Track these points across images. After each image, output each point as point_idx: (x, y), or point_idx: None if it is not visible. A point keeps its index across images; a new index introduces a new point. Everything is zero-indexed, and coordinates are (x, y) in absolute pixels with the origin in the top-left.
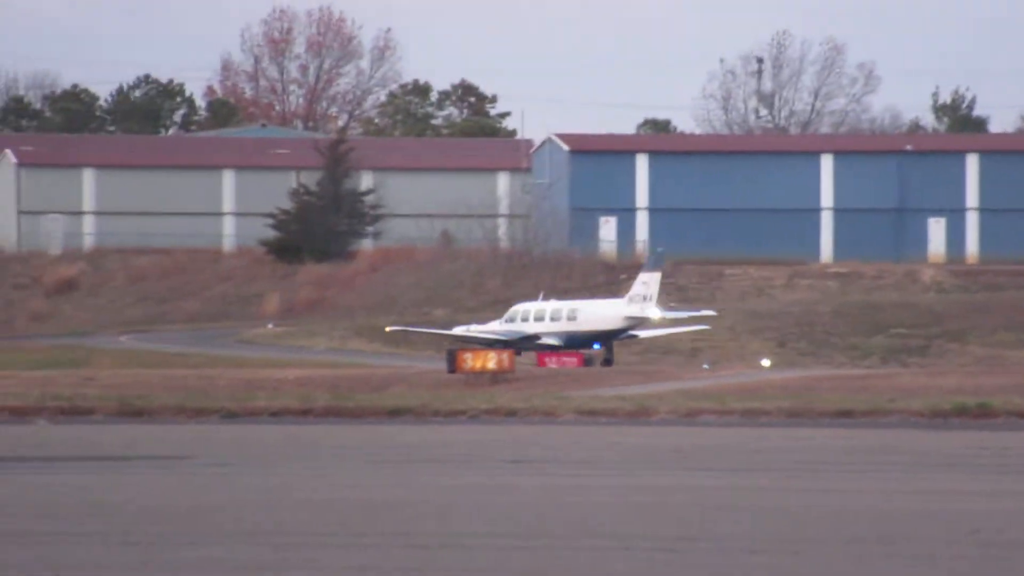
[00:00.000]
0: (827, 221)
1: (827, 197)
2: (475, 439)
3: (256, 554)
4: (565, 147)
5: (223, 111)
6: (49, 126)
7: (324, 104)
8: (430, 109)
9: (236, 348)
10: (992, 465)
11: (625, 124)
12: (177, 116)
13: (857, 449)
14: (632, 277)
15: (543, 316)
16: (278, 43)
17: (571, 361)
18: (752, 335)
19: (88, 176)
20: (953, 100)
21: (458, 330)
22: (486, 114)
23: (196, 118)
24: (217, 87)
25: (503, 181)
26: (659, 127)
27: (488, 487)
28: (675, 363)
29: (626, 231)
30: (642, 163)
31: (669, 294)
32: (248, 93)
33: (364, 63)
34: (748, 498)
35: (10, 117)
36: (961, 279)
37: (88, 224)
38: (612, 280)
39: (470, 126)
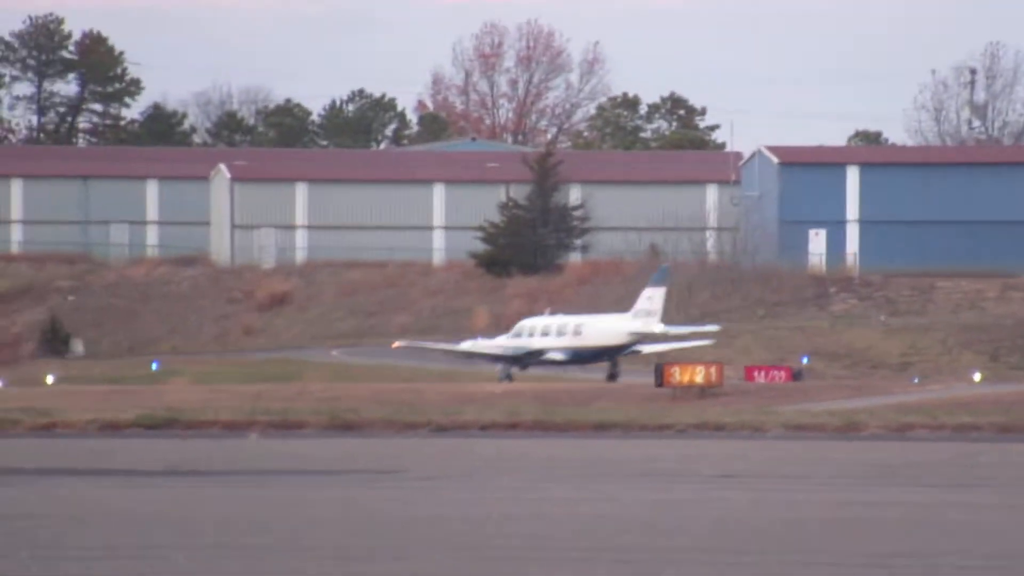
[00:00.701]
0: None
1: None
2: (683, 453)
3: (463, 568)
4: (775, 159)
5: (434, 125)
6: (262, 141)
7: (533, 118)
8: (639, 122)
9: (445, 362)
10: None
11: (835, 136)
12: (388, 130)
13: None
14: (842, 290)
15: (549, 331)
16: (488, 57)
17: (780, 375)
18: (963, 348)
19: (300, 190)
20: None
21: (465, 345)
22: (695, 127)
23: (407, 132)
24: (428, 101)
25: (712, 194)
26: (870, 139)
27: (696, 502)
28: (884, 376)
29: (836, 244)
30: (852, 175)
31: (879, 307)
32: (458, 107)
33: (573, 76)
34: (960, 515)
35: (224, 132)
36: None
37: (300, 238)
38: (822, 293)
39: (679, 139)
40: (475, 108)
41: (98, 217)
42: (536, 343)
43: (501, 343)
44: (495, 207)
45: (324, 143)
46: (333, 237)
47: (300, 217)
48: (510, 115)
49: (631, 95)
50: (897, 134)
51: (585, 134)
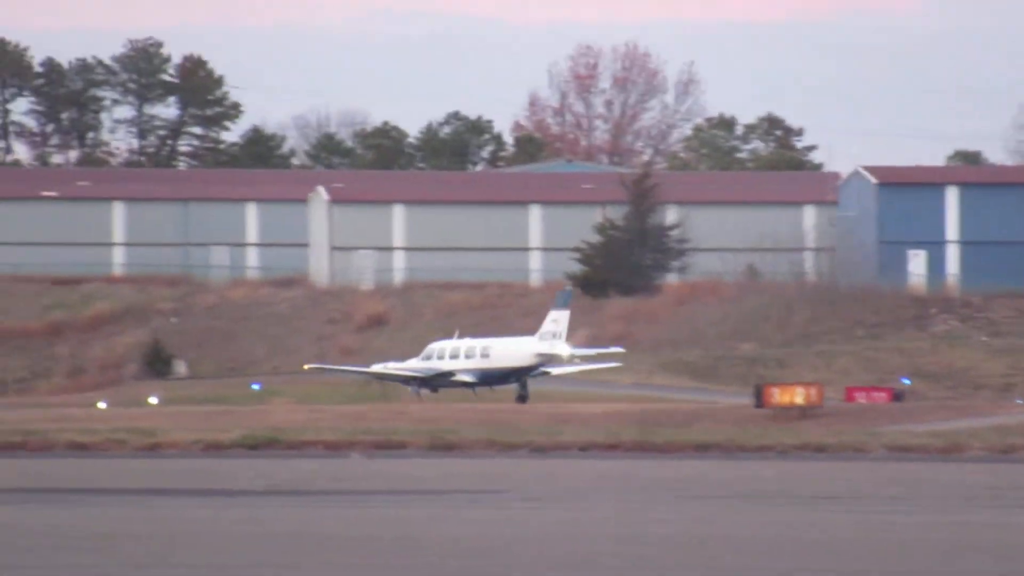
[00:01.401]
0: None
1: None
2: (784, 474)
3: None
4: (873, 180)
5: (530, 146)
6: (360, 163)
7: (629, 138)
8: (735, 143)
9: (542, 383)
10: None
11: (934, 156)
12: (485, 152)
13: None
14: (942, 311)
15: (458, 353)
16: (584, 79)
17: (881, 397)
18: None
19: (398, 212)
20: None
21: (376, 367)
22: (792, 147)
23: (503, 153)
24: (524, 122)
25: (809, 214)
26: (969, 159)
27: (798, 523)
28: (986, 397)
29: (936, 264)
30: (952, 195)
31: (980, 328)
32: (554, 128)
33: (669, 97)
34: None
35: (322, 154)
36: None
37: (398, 259)
38: (922, 314)
39: (776, 159)
40: (570, 129)
41: (198, 239)
42: (446, 365)
43: (412, 365)
44: (591, 228)
45: (421, 165)
46: (430, 258)
47: (398, 238)
48: (606, 136)
49: (727, 115)
50: (997, 154)
51: (681, 155)
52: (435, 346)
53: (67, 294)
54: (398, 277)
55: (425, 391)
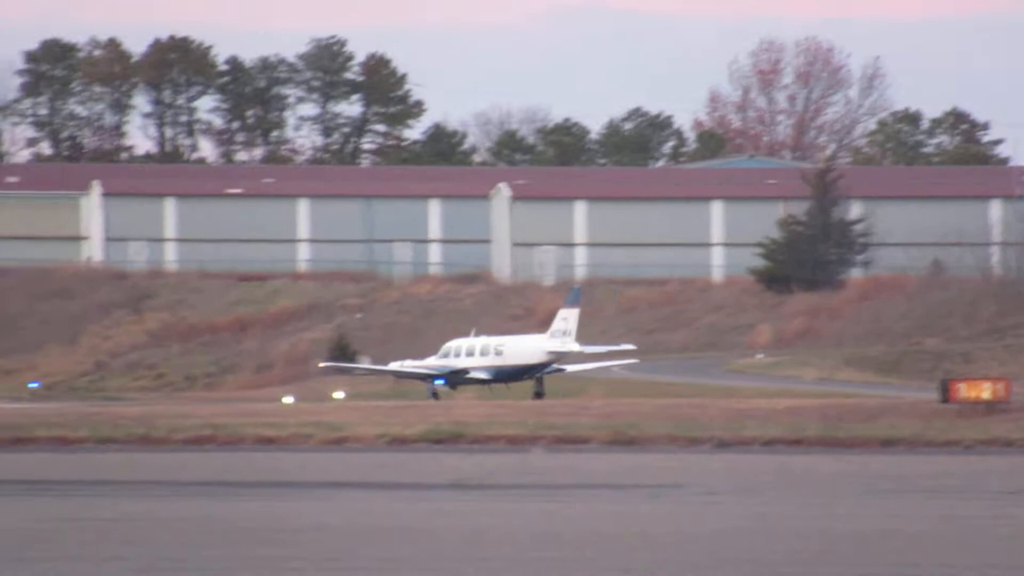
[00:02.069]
0: None
1: None
2: (971, 470)
3: None
4: None
5: (711, 142)
6: (541, 160)
7: (812, 134)
8: (921, 137)
9: (725, 378)
10: None
11: None
12: (666, 148)
13: None
14: None
15: (473, 351)
16: (766, 74)
17: None
18: None
19: (579, 208)
20: None
21: (393, 365)
22: (978, 141)
23: (685, 150)
24: (705, 119)
25: (996, 209)
26: None
27: (986, 518)
28: None
29: None
30: None
31: None
32: (736, 124)
33: (853, 92)
34: None
35: (504, 151)
36: None
37: (579, 255)
38: None
39: (961, 153)
40: (753, 124)
41: (382, 236)
42: (461, 363)
43: (429, 363)
44: (774, 223)
45: (603, 161)
46: (612, 254)
47: (579, 234)
48: (788, 131)
49: (912, 110)
50: None
51: (865, 149)
52: (451, 344)
53: (253, 290)
54: (580, 273)
55: (442, 384)
